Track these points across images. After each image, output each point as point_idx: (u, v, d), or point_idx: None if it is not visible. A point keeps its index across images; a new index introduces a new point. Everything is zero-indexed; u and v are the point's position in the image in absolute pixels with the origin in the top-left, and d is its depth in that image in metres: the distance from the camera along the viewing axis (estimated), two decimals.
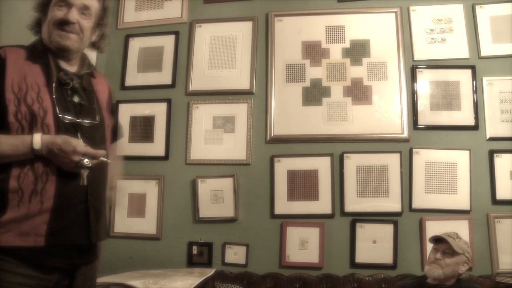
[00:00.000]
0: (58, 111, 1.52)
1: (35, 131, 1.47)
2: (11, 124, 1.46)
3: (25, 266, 1.43)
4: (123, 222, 3.04)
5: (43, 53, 1.60)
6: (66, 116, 1.54)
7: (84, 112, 1.62)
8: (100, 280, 2.40)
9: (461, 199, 2.75)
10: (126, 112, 3.14)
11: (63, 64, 1.64)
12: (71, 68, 1.66)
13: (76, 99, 1.61)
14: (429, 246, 2.30)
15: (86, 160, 1.48)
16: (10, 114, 1.46)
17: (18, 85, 1.48)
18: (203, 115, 3.07)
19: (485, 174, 2.78)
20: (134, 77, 3.20)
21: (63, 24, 1.60)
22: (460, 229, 2.61)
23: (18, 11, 2.64)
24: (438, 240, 2.23)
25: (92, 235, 1.57)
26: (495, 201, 2.74)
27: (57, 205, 1.48)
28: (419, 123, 2.87)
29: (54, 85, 1.55)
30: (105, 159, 1.57)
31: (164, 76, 3.16)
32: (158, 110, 3.13)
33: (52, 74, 1.57)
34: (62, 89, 1.58)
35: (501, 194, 2.74)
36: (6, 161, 1.44)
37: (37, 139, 1.45)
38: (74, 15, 1.61)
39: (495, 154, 2.78)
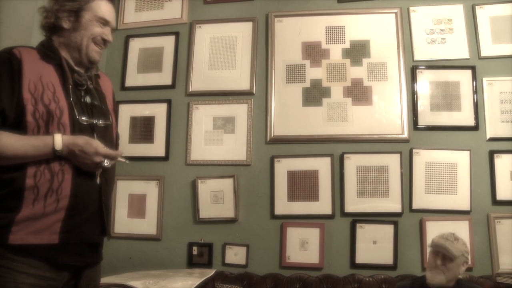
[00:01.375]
0: (76, 113, 1.56)
1: (52, 131, 1.49)
2: (29, 123, 1.47)
3: (37, 267, 1.45)
4: (123, 223, 3.04)
5: (54, 54, 1.62)
6: (82, 118, 1.58)
7: (96, 112, 1.66)
8: (101, 280, 2.40)
9: (461, 199, 2.75)
10: (126, 113, 3.14)
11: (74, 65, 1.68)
12: (81, 69, 1.69)
13: (88, 99, 1.64)
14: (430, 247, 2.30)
15: (106, 161, 1.53)
16: (28, 114, 1.47)
17: (35, 84, 1.50)
18: (203, 116, 3.07)
19: (485, 174, 2.78)
20: (134, 78, 3.21)
21: (102, 42, 1.68)
22: (460, 229, 2.62)
23: (18, 11, 2.64)
24: (437, 247, 2.23)
25: (106, 232, 1.63)
26: (495, 202, 2.74)
27: (73, 203, 1.50)
28: (419, 124, 2.87)
29: (70, 86, 1.59)
30: (123, 160, 1.63)
31: (164, 77, 3.16)
32: (158, 111, 3.13)
33: (68, 76, 1.59)
34: (76, 89, 1.61)
35: (501, 195, 2.74)
36: (25, 161, 1.46)
37: (58, 140, 1.48)
38: (111, 35, 1.71)
39: (495, 155, 2.78)
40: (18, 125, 1.47)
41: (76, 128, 1.55)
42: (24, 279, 1.42)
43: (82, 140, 1.50)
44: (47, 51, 1.61)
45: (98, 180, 1.57)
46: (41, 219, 1.45)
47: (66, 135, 1.50)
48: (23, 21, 2.62)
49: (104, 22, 1.70)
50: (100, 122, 1.65)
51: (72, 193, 1.50)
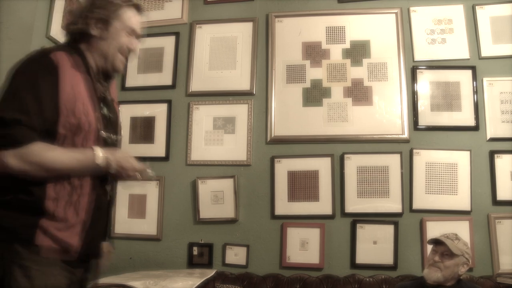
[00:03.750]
0: (100, 127, 1.55)
1: (78, 143, 1.49)
2: (59, 135, 1.46)
3: (61, 267, 1.46)
4: (123, 223, 3.04)
5: (84, 62, 1.59)
6: (102, 131, 1.56)
7: (110, 125, 1.64)
8: (101, 281, 2.40)
9: (461, 199, 2.75)
10: (127, 113, 3.14)
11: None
12: (100, 77, 1.66)
13: (106, 111, 1.62)
14: (430, 247, 2.30)
15: (138, 175, 1.56)
16: (60, 125, 1.45)
17: (68, 95, 1.47)
18: (203, 116, 3.07)
19: (485, 174, 2.78)
20: (134, 78, 3.20)
21: (127, 51, 1.67)
22: (461, 229, 2.61)
23: (18, 11, 2.64)
24: (437, 242, 2.23)
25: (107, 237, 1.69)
26: (496, 202, 2.74)
27: (89, 217, 1.51)
28: (419, 124, 2.87)
29: (98, 99, 1.58)
30: (150, 173, 1.63)
31: (164, 77, 3.16)
32: (158, 111, 3.13)
33: (96, 87, 1.58)
34: (99, 101, 1.60)
35: (501, 195, 2.74)
36: (68, 174, 1.46)
37: (99, 154, 1.48)
38: (137, 44, 1.70)
39: (495, 155, 2.78)
40: (48, 135, 1.44)
41: (99, 142, 1.54)
42: (57, 272, 1.44)
43: (120, 155, 1.52)
44: (77, 59, 1.57)
45: (108, 196, 1.59)
46: (61, 231, 1.45)
47: (104, 149, 1.50)
48: (23, 21, 2.63)
49: (132, 32, 1.68)
50: (114, 136, 1.64)
51: (89, 207, 1.50)
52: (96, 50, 1.61)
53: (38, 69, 1.46)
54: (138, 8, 1.70)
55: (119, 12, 1.63)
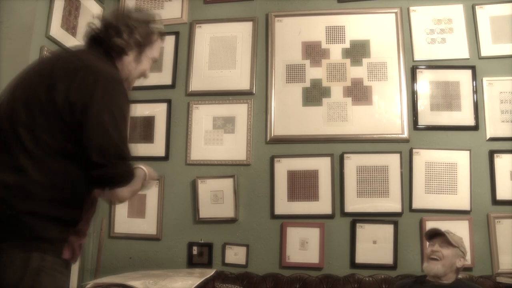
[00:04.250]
0: None
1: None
2: None
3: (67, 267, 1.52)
4: (123, 223, 3.04)
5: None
6: None
7: None
8: (100, 280, 2.40)
9: (461, 199, 2.75)
10: None
11: None
12: None
13: None
14: None
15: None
16: None
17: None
18: (203, 116, 3.07)
19: (485, 174, 2.78)
20: None
21: (142, 76, 1.75)
22: (460, 229, 2.62)
23: (18, 11, 2.64)
24: (433, 236, 2.28)
25: None
26: (495, 202, 2.74)
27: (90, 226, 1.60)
28: (419, 124, 2.87)
29: None
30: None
31: (164, 77, 3.16)
32: (158, 111, 3.13)
33: None
34: None
35: (501, 195, 2.74)
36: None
37: (145, 170, 1.63)
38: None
39: (495, 155, 2.78)
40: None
41: None
42: (66, 273, 1.51)
43: (150, 169, 1.65)
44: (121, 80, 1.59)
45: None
46: (77, 242, 1.51)
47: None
48: (23, 21, 2.62)
49: (154, 60, 1.75)
50: None
51: (92, 218, 1.59)
52: (123, 69, 1.65)
53: (125, 102, 1.51)
54: (163, 37, 1.80)
55: (154, 41, 1.70)
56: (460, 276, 2.34)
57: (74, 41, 2.80)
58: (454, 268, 2.22)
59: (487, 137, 2.81)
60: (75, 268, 2.80)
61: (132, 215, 3.05)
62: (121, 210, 3.05)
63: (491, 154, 2.78)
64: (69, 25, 2.89)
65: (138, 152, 3.06)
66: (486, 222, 2.72)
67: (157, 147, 3.08)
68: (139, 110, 3.14)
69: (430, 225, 2.71)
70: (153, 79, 3.14)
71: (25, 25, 2.62)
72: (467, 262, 2.38)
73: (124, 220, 3.05)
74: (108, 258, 2.96)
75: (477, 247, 2.69)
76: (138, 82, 3.15)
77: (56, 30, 2.77)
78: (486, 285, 2.44)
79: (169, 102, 3.12)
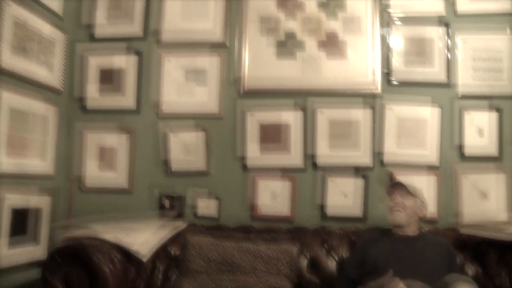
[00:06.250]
0: None
1: None
2: None
3: None
4: (94, 176, 3.00)
5: None
6: None
7: None
8: (72, 234, 2.37)
9: (430, 154, 2.80)
10: (96, 65, 3.05)
11: None
12: None
13: None
14: None
15: None
16: None
17: None
18: (175, 68, 3.00)
19: (455, 130, 2.81)
20: (103, 28, 3.09)
21: None
22: (429, 183, 2.69)
23: None
24: (393, 185, 2.35)
25: None
26: (463, 157, 2.79)
27: None
28: (392, 79, 2.87)
29: None
30: None
31: (135, 27, 3.06)
32: (128, 63, 3.04)
33: None
34: None
35: (469, 151, 2.79)
36: None
37: None
38: None
39: (465, 112, 2.81)
40: None
41: None
42: None
43: None
44: None
45: None
46: None
47: None
48: None
49: None
50: None
51: None
52: None
53: None
54: None
55: None
56: (426, 229, 2.40)
57: None
58: (417, 218, 2.29)
59: (459, 95, 2.83)
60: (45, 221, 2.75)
61: (103, 169, 3.01)
62: (92, 163, 3.01)
63: (462, 111, 2.81)
64: None
65: (108, 105, 3.03)
66: (453, 177, 2.78)
67: (127, 100, 3.02)
68: (109, 62, 3.05)
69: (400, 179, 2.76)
70: (124, 30, 3.07)
71: None
72: (428, 212, 2.43)
73: (95, 174, 3.01)
74: (80, 211, 2.93)
75: (444, 201, 2.75)
76: (108, 32, 3.07)
77: None
78: (450, 236, 2.50)
79: (140, 54, 3.04)
